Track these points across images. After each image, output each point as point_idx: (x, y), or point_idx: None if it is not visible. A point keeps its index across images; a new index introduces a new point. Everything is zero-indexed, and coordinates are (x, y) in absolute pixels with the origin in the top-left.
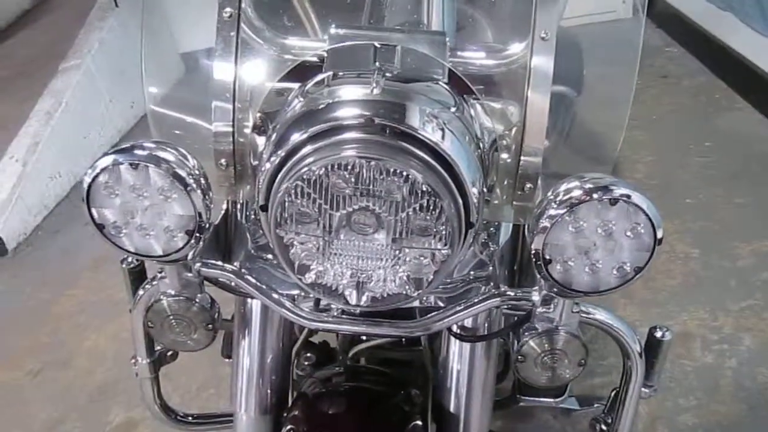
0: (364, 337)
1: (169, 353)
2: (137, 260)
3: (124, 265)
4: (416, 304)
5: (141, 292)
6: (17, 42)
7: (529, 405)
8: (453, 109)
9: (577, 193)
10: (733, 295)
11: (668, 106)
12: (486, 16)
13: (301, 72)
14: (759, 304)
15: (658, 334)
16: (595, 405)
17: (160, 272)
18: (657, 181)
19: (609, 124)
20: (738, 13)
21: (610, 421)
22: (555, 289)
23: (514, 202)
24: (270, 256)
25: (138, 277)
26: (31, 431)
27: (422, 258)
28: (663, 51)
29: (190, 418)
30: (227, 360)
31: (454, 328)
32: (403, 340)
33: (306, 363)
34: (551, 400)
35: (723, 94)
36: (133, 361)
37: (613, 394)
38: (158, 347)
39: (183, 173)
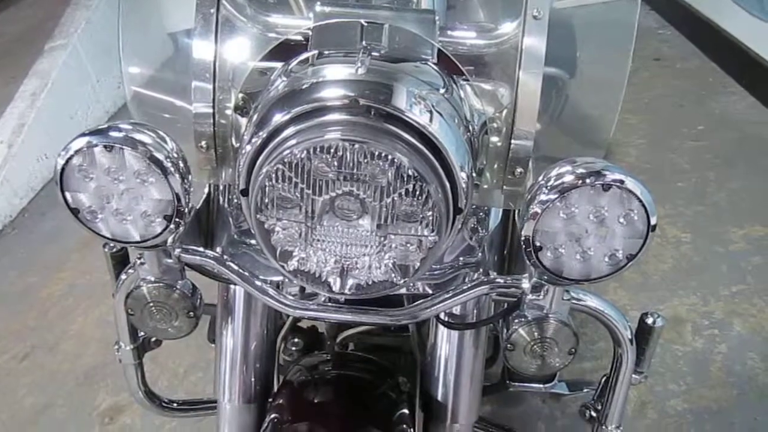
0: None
1: (153, 339)
2: (119, 248)
3: (106, 250)
4: (403, 291)
5: (123, 276)
6: (2, 20)
7: (519, 390)
8: (442, 91)
9: (568, 178)
10: (725, 280)
11: (661, 89)
12: None
13: (285, 51)
14: (750, 289)
15: (650, 320)
16: (585, 390)
17: (140, 258)
18: (649, 165)
19: (602, 107)
20: None
21: (599, 407)
22: (545, 277)
23: (504, 187)
24: (253, 242)
25: (120, 261)
26: (18, 415)
27: (408, 245)
28: (656, 33)
29: (174, 404)
30: (213, 344)
31: (443, 316)
32: (392, 327)
33: (293, 348)
34: (541, 385)
35: (716, 77)
36: (116, 347)
37: (603, 380)
38: (141, 333)
39: (160, 156)
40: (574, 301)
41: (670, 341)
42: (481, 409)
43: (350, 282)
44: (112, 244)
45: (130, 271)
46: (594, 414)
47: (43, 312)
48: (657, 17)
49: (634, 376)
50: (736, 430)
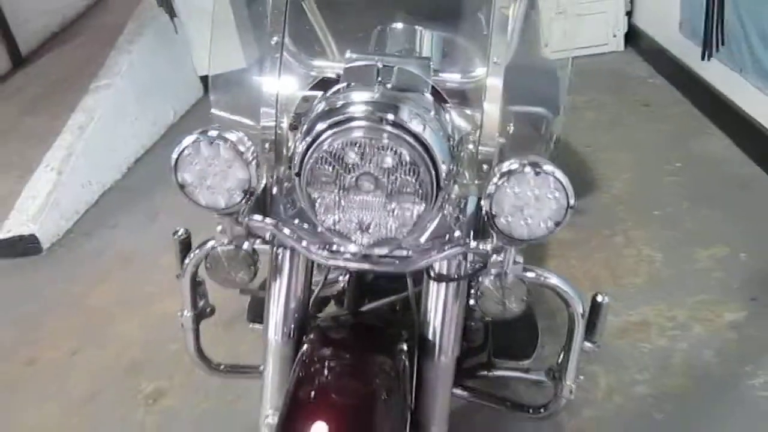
0: (367, 301)
1: (208, 309)
2: (185, 233)
3: (175, 237)
4: (404, 253)
5: (191, 255)
6: (47, 62)
7: (502, 369)
8: (432, 113)
9: (514, 167)
10: (689, 291)
11: (648, 132)
12: (462, 47)
13: (322, 85)
14: (710, 299)
15: (599, 298)
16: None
17: (219, 225)
18: (630, 195)
19: (545, 124)
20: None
21: (560, 368)
22: (502, 239)
23: (476, 181)
24: (297, 221)
25: (185, 246)
26: (73, 399)
27: (406, 211)
28: (646, 82)
29: (221, 366)
30: (251, 325)
31: (433, 273)
32: (397, 306)
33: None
34: (522, 363)
35: (697, 121)
36: (179, 314)
37: (563, 346)
38: (200, 303)
39: (242, 149)
40: (540, 278)
41: (638, 340)
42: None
43: (367, 237)
44: (180, 232)
45: (197, 251)
46: (557, 375)
47: (89, 317)
48: (648, 67)
49: (588, 344)
50: (692, 411)
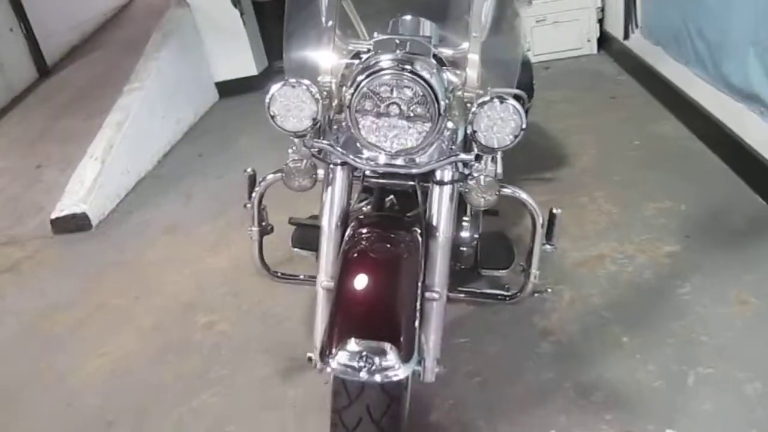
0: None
1: (269, 228)
2: (252, 171)
3: (245, 173)
4: (416, 162)
5: (257, 186)
6: (71, 72)
7: (487, 274)
8: (435, 70)
9: (486, 99)
10: (637, 233)
11: (613, 119)
12: (452, 30)
13: (357, 57)
14: (653, 237)
15: (555, 211)
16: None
17: (291, 146)
18: (595, 167)
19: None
20: (667, 48)
21: (526, 263)
22: (481, 149)
23: (463, 117)
24: (340, 149)
25: (252, 180)
26: (141, 332)
27: (419, 130)
28: (614, 79)
29: (279, 273)
30: (295, 249)
31: (435, 179)
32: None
33: (360, 203)
34: (503, 270)
35: (655, 109)
36: (249, 231)
37: (529, 247)
38: (263, 223)
39: (313, 91)
40: (514, 194)
41: (594, 268)
42: (452, 287)
43: (394, 147)
44: (249, 170)
45: (263, 182)
46: (524, 267)
47: (145, 273)
48: (617, 67)
49: (547, 246)
50: (633, 311)
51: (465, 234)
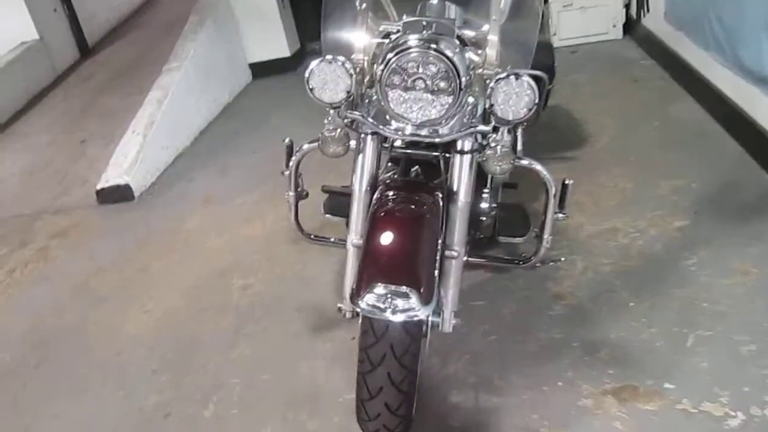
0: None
1: (304, 193)
2: (290, 141)
3: (284, 142)
4: (439, 132)
5: (295, 154)
6: (111, 52)
7: (505, 241)
8: (458, 49)
9: (503, 75)
10: (650, 208)
11: (634, 101)
12: (474, 13)
13: (388, 36)
14: (664, 213)
15: (567, 181)
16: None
17: (327, 118)
18: (614, 146)
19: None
20: (688, 34)
21: (540, 230)
22: (498, 121)
23: (484, 90)
24: (371, 120)
25: (290, 149)
26: (182, 290)
27: (442, 103)
28: (638, 63)
29: (312, 235)
30: (327, 215)
31: (457, 148)
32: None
33: (387, 173)
34: (520, 238)
35: (676, 92)
36: (286, 196)
37: (543, 215)
38: (299, 189)
39: (348, 66)
40: (530, 165)
41: (607, 239)
42: (472, 252)
43: (421, 118)
44: (286, 141)
45: (299, 152)
46: (538, 233)
47: (185, 239)
48: (641, 51)
49: (559, 215)
50: (641, 278)
51: (484, 205)
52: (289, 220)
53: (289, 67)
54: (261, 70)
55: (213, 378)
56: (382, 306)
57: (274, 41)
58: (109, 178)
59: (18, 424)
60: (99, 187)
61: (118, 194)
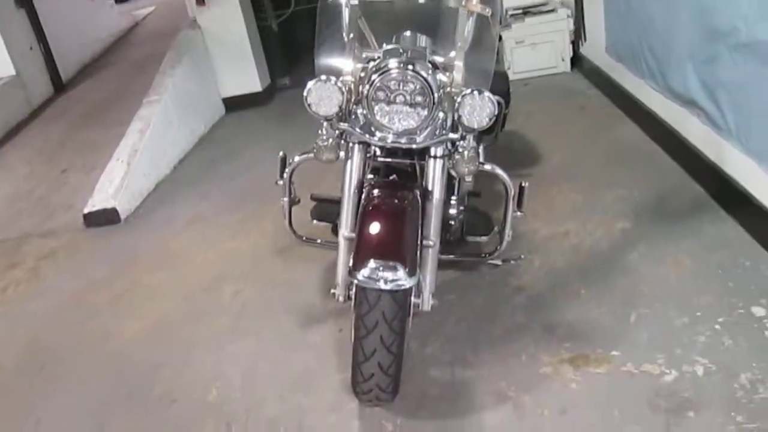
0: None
1: (297, 200)
2: (284, 154)
3: (278, 156)
4: (416, 140)
5: (288, 167)
6: (84, 88)
7: (472, 240)
8: (430, 71)
9: (468, 91)
10: (597, 214)
11: (581, 125)
12: (442, 43)
13: (370, 61)
14: (609, 217)
15: (523, 184)
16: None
17: (321, 129)
18: (564, 165)
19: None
20: (626, 65)
21: (500, 228)
22: (464, 129)
23: (450, 108)
24: (359, 130)
25: (283, 161)
26: (173, 301)
27: (418, 115)
28: (584, 93)
29: (304, 237)
30: (314, 221)
31: (431, 154)
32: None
33: (371, 174)
34: (484, 236)
35: (617, 117)
36: (281, 202)
37: (502, 214)
38: (292, 196)
39: (339, 85)
40: (491, 169)
41: (561, 241)
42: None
43: (401, 127)
44: (281, 154)
45: (291, 163)
46: (499, 230)
47: (173, 256)
48: (587, 82)
49: (518, 213)
50: (590, 271)
51: (453, 210)
52: (273, 234)
53: (261, 101)
54: (233, 103)
55: (213, 369)
56: (375, 277)
57: (246, 76)
58: (96, 203)
59: (30, 417)
60: (86, 211)
61: (105, 217)
